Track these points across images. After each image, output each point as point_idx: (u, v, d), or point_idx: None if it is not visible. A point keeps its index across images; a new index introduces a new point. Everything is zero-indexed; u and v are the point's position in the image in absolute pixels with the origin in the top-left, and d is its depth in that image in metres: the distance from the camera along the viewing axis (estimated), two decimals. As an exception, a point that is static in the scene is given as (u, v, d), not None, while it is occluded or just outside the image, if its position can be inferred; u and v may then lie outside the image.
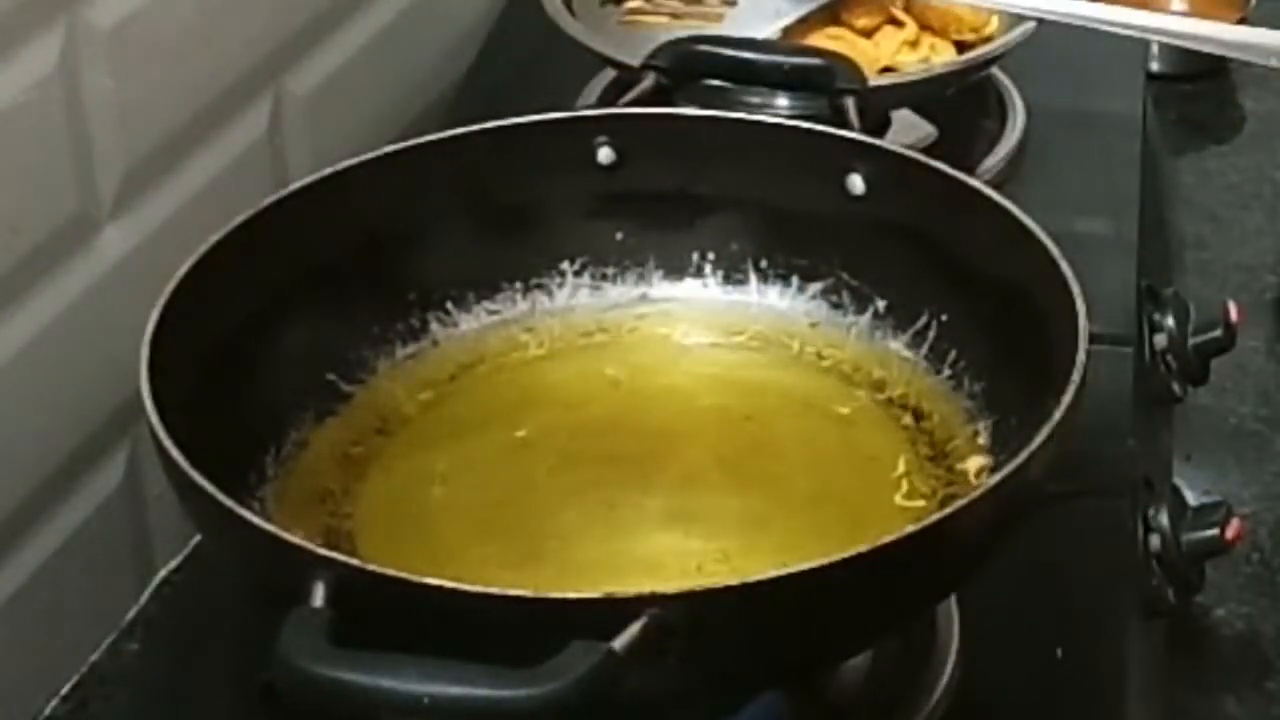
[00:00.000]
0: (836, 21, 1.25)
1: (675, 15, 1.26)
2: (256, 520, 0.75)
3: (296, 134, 1.10)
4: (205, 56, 1.00)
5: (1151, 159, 1.33)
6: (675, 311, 0.99)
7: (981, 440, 0.89)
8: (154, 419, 0.78)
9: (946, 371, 0.93)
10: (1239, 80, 1.53)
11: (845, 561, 0.72)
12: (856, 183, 0.94)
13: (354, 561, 0.73)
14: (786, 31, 1.22)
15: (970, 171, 0.96)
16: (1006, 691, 0.90)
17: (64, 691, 0.93)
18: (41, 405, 0.91)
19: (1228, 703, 1.06)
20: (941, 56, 1.23)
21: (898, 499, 0.88)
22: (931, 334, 0.94)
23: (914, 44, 1.24)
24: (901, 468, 0.90)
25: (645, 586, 0.70)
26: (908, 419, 0.92)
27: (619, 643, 0.68)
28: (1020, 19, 1.20)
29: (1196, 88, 1.53)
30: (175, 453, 0.77)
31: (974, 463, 0.88)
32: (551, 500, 0.88)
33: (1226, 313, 1.17)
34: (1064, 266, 0.85)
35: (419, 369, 0.95)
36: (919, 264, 0.94)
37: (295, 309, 0.91)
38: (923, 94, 1.20)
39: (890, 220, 0.94)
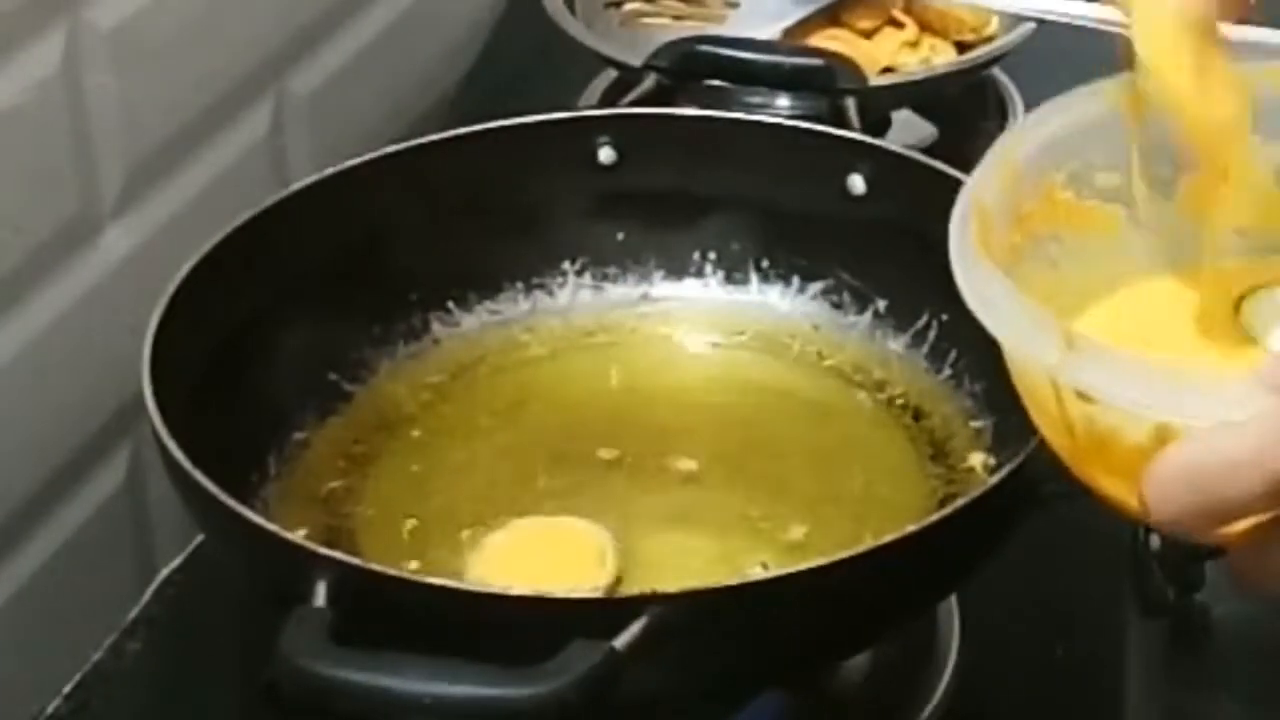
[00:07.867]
0: (837, 23, 1.25)
1: (677, 16, 1.26)
2: (258, 520, 0.76)
3: (298, 134, 1.10)
4: (207, 57, 1.00)
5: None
6: (676, 311, 0.99)
7: (982, 440, 0.89)
8: (156, 418, 0.79)
9: (947, 371, 0.93)
10: (1239, 81, 1.53)
11: (846, 561, 0.72)
12: (857, 183, 0.95)
13: (355, 561, 0.73)
14: (787, 33, 1.22)
15: (970, 171, 0.96)
16: (1006, 691, 0.90)
17: (66, 690, 0.93)
18: (43, 404, 0.91)
19: (1228, 703, 1.06)
20: (942, 57, 1.23)
21: (898, 499, 0.88)
22: (932, 334, 0.94)
23: (914, 45, 1.24)
24: (902, 467, 0.90)
25: (646, 586, 0.70)
26: (908, 419, 0.92)
27: (620, 641, 0.68)
28: (1020, 19, 1.20)
29: (1197, 88, 1.52)
30: (177, 452, 0.77)
31: (974, 462, 0.88)
32: (552, 500, 0.88)
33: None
34: (1064, 266, 0.85)
35: (420, 368, 0.95)
36: (919, 264, 0.93)
37: (297, 309, 0.91)
38: (923, 94, 1.20)
39: (891, 220, 0.94)
